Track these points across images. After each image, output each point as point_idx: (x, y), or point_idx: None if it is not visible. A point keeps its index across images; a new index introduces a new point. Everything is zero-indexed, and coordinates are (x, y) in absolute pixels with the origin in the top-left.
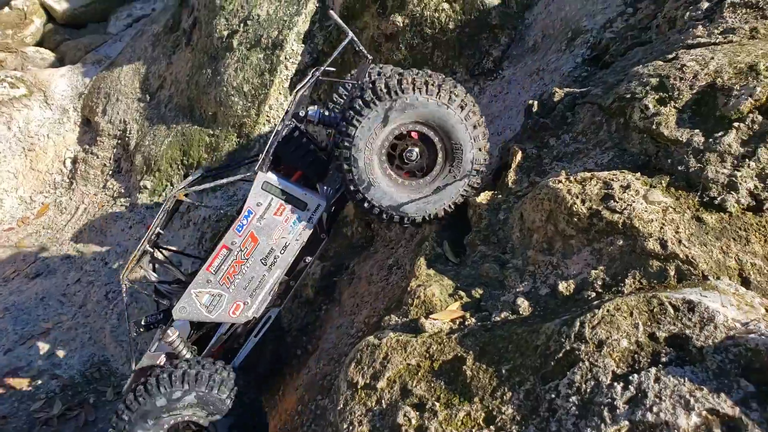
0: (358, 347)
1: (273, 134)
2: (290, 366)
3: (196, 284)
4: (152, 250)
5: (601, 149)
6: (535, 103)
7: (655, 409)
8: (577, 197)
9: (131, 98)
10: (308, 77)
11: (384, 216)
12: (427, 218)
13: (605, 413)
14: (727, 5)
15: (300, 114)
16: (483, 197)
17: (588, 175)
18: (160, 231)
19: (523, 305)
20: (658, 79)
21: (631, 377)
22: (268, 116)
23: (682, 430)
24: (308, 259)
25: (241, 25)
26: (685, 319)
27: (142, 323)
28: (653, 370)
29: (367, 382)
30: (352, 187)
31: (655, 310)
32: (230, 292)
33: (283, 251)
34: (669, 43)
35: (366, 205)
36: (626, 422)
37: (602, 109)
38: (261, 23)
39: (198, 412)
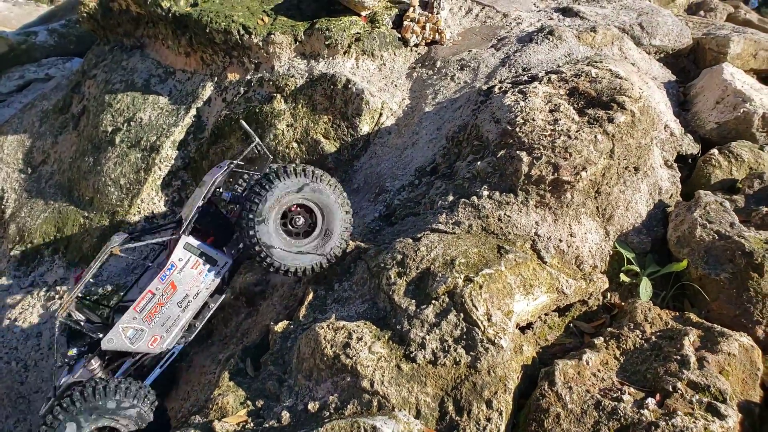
0: None
1: (195, 208)
2: None
3: (124, 321)
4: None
5: (362, 300)
6: None
7: None
8: (329, 342)
9: (12, 168)
10: (224, 167)
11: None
12: (316, 267)
13: None
14: (461, 203)
15: (218, 193)
16: (279, 326)
17: (341, 324)
18: (91, 280)
19: (285, 416)
20: (401, 256)
21: None
22: (139, 208)
23: None
24: (212, 303)
25: (125, 124)
26: None
27: (68, 354)
28: None
29: None
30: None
31: (354, 430)
32: (150, 328)
33: (195, 297)
34: (426, 221)
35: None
36: None
37: (369, 269)
38: (142, 126)
39: (123, 420)
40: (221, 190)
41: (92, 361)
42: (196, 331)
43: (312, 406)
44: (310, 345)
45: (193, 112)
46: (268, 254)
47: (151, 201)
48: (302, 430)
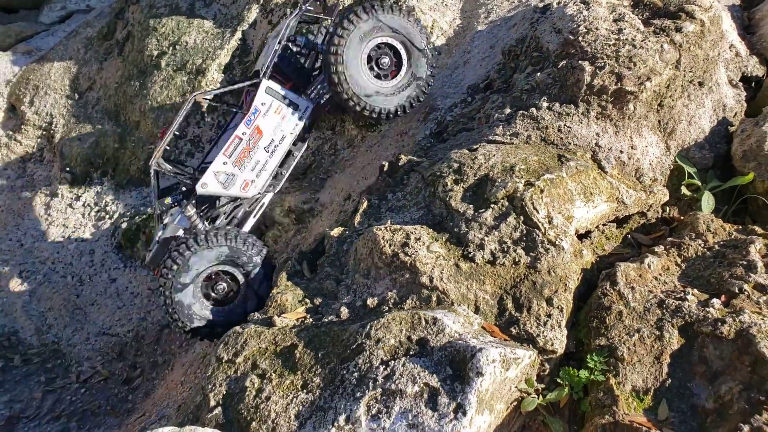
0: (227, 333)
1: (273, 52)
2: (180, 347)
3: (215, 166)
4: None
5: (417, 207)
6: (386, 164)
7: (397, 382)
8: (387, 242)
9: (60, 94)
10: (296, 11)
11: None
12: (399, 111)
13: (370, 383)
14: (519, 115)
15: (292, 39)
16: (335, 231)
17: (398, 227)
18: (176, 132)
19: (344, 312)
20: (458, 165)
21: (390, 362)
22: (185, 131)
23: (408, 394)
24: (296, 151)
25: (170, 48)
26: (429, 328)
27: (167, 202)
28: (404, 359)
29: (230, 357)
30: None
31: (414, 321)
32: (241, 172)
33: (281, 142)
34: (481, 134)
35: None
36: (380, 389)
37: (424, 179)
38: (188, 50)
39: (223, 262)
40: (294, 36)
41: (189, 207)
42: (284, 180)
43: (371, 302)
44: (368, 245)
45: (238, 35)
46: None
47: (197, 124)
48: (361, 322)
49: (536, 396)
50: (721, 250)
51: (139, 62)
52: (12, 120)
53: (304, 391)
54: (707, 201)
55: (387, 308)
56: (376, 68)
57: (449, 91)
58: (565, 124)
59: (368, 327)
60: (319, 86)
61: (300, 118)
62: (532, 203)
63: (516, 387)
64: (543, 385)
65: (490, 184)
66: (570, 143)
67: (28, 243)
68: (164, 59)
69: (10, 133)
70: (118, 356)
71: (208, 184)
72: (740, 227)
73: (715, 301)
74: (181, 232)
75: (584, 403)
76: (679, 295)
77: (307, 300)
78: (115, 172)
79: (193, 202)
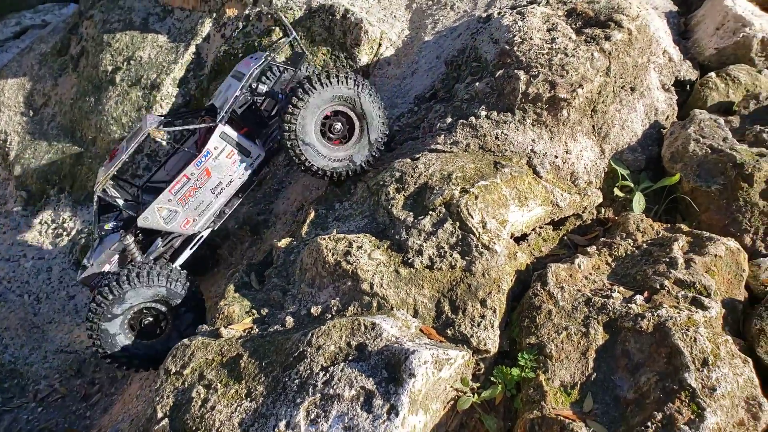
0: (176, 345)
1: (232, 98)
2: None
3: (160, 201)
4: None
5: (362, 216)
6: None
7: (335, 387)
8: (330, 251)
9: (14, 111)
10: (261, 60)
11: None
12: (350, 172)
13: (310, 389)
14: (459, 123)
15: (253, 87)
16: (283, 242)
17: (342, 235)
18: (126, 159)
19: (289, 321)
20: (400, 174)
21: (329, 368)
22: (141, 145)
23: (345, 398)
24: (240, 195)
25: (125, 63)
26: (367, 334)
27: (107, 227)
28: (342, 364)
29: (178, 369)
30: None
31: (354, 327)
32: (184, 210)
33: (228, 185)
34: (424, 143)
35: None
36: (319, 394)
37: (369, 188)
38: (142, 65)
39: (157, 301)
40: (256, 83)
41: (127, 237)
42: (225, 217)
43: (315, 310)
44: (313, 255)
45: (192, 49)
46: (303, 152)
47: (153, 139)
48: (304, 331)
49: (471, 394)
50: (648, 248)
51: (93, 78)
52: None
53: (248, 399)
54: (638, 201)
55: (330, 316)
56: (329, 133)
57: (398, 101)
58: (502, 132)
59: (310, 335)
60: (274, 134)
61: (250, 165)
62: (467, 209)
63: (452, 386)
64: (478, 384)
65: (429, 192)
66: (507, 150)
67: None
68: (119, 74)
69: None
70: (77, 373)
71: (150, 218)
72: (668, 226)
73: (638, 297)
74: (116, 258)
75: (516, 400)
76: (606, 293)
77: (254, 311)
78: (72, 189)
79: (132, 230)
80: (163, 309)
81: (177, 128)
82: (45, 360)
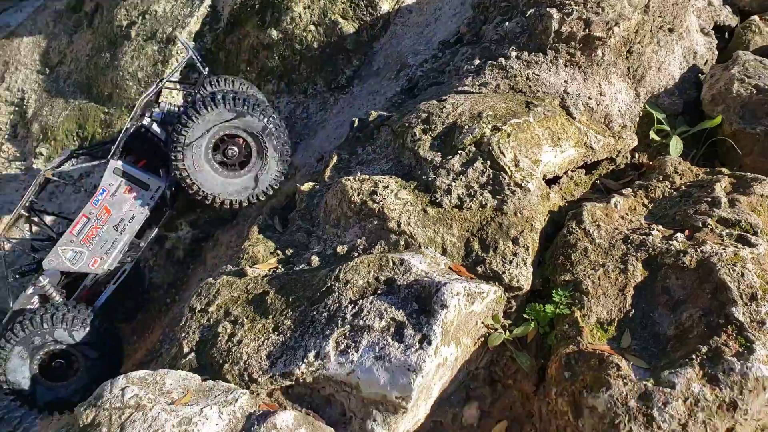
0: (200, 285)
1: (123, 131)
2: (160, 312)
3: (62, 243)
4: (26, 214)
5: (386, 160)
6: (357, 120)
7: (364, 318)
8: (355, 191)
9: (30, 69)
10: (153, 86)
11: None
12: (244, 202)
13: (339, 321)
14: (488, 65)
15: (147, 114)
16: (306, 186)
17: (367, 177)
18: (34, 199)
19: (314, 260)
20: (426, 115)
21: (358, 301)
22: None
23: (375, 329)
24: (153, 227)
25: (140, 17)
26: (396, 269)
27: (18, 271)
28: (371, 297)
29: (203, 307)
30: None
31: (382, 263)
32: (89, 250)
33: (131, 221)
34: (451, 86)
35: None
36: (348, 326)
37: (393, 131)
38: (157, 18)
39: (61, 343)
40: (152, 110)
41: (40, 279)
42: (142, 250)
43: (340, 249)
44: (338, 196)
45: (207, 2)
46: (194, 183)
47: (170, 93)
48: (331, 267)
49: (503, 331)
50: (687, 190)
51: (108, 33)
52: None
53: (275, 333)
54: (675, 145)
55: (357, 254)
56: (223, 158)
57: (420, 48)
58: (533, 73)
59: (337, 270)
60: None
61: (151, 198)
62: (499, 147)
63: (482, 323)
64: (509, 321)
65: (458, 131)
66: (538, 91)
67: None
68: (134, 29)
69: None
70: None
71: (54, 261)
72: (707, 169)
73: (678, 235)
74: (36, 299)
75: (550, 337)
76: (644, 232)
77: (279, 252)
78: (90, 146)
79: (44, 273)
80: (73, 352)
81: (74, 167)
82: None
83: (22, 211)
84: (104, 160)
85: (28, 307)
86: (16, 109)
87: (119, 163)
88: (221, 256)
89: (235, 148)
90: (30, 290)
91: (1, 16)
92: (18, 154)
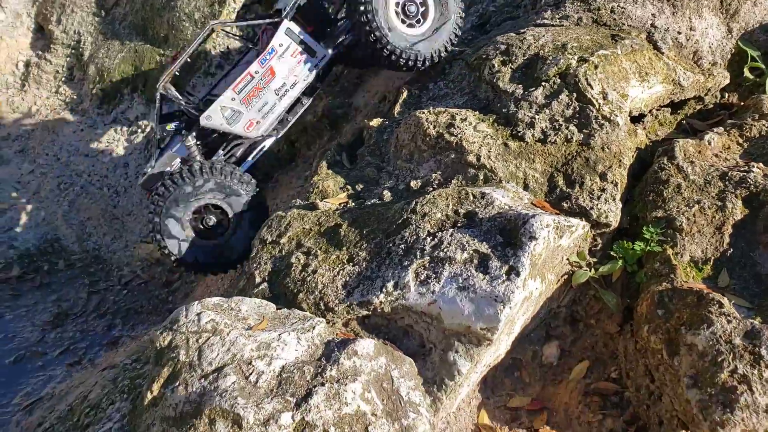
0: (270, 217)
1: None
2: None
3: (223, 100)
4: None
5: (461, 94)
6: None
7: (445, 250)
8: (431, 124)
9: (86, 11)
10: None
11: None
12: (435, 55)
13: (417, 252)
14: None
15: None
16: (375, 122)
17: (443, 109)
18: (189, 59)
19: (386, 195)
20: (505, 47)
21: (437, 234)
22: (214, 42)
23: (457, 261)
24: (305, 100)
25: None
26: (477, 202)
27: (169, 128)
28: (451, 230)
29: (274, 239)
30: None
31: (461, 196)
32: (248, 111)
33: (292, 87)
34: (527, 20)
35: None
36: (428, 257)
37: (468, 65)
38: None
39: (217, 195)
40: None
41: (189, 138)
42: (288, 125)
43: (414, 184)
44: (410, 130)
45: None
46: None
47: (226, 35)
48: (405, 201)
49: (588, 269)
50: None
51: None
52: (41, 40)
53: (351, 264)
54: None
55: (432, 189)
56: (403, 16)
57: None
58: (618, 5)
59: (414, 203)
60: (341, 35)
61: (315, 66)
62: (586, 79)
63: (567, 259)
64: (595, 259)
65: (541, 63)
66: (624, 24)
67: (64, 157)
68: None
69: (40, 53)
70: (157, 261)
71: (213, 117)
72: None
73: None
74: (177, 161)
75: (639, 275)
76: (742, 169)
77: (349, 186)
78: (145, 87)
79: (194, 133)
80: (225, 207)
81: (243, 23)
82: (126, 249)
83: (188, 59)
84: (277, 19)
85: (167, 169)
86: (73, 51)
87: (292, 24)
88: (282, 197)
89: (414, 6)
90: (175, 148)
91: None
92: (75, 97)
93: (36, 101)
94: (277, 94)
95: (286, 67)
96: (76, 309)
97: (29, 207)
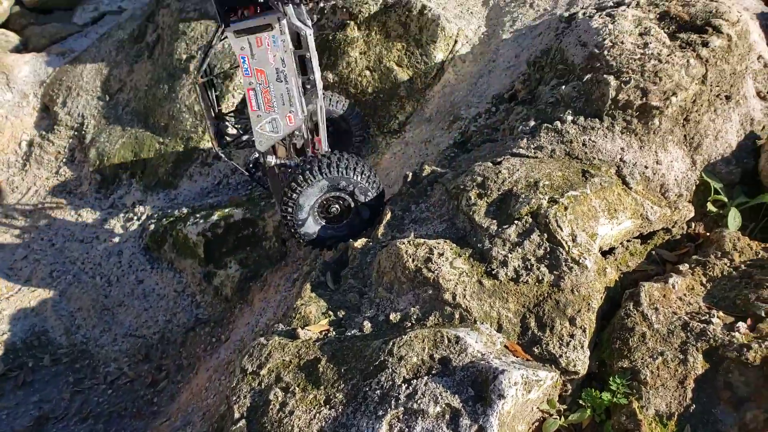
0: (251, 344)
1: None
2: (205, 351)
3: (255, 123)
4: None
5: (440, 220)
6: (411, 174)
7: (419, 401)
8: (410, 257)
9: (91, 95)
10: None
11: None
12: None
13: (392, 401)
14: (543, 128)
15: None
16: (359, 243)
17: (422, 241)
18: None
19: (367, 326)
20: (481, 179)
21: (412, 381)
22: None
23: (430, 415)
24: (307, 54)
25: (199, 52)
26: (451, 348)
27: (251, 165)
28: (426, 378)
29: (254, 369)
30: None
31: (437, 339)
32: (278, 113)
33: (284, 65)
34: (505, 146)
35: None
36: (402, 408)
37: (447, 191)
38: (216, 55)
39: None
40: None
41: (269, 159)
42: (319, 79)
43: (393, 317)
44: (391, 259)
45: None
46: None
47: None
48: (383, 338)
49: (558, 417)
50: (747, 270)
51: (168, 65)
52: (45, 120)
53: (327, 407)
54: (734, 218)
55: (410, 324)
56: None
57: (473, 100)
58: (589, 139)
59: (391, 344)
60: None
61: (281, 32)
62: (556, 221)
63: (538, 408)
64: (565, 406)
65: (514, 200)
66: (594, 158)
67: (59, 243)
68: (193, 63)
69: (43, 133)
70: (144, 358)
71: (264, 141)
72: (767, 246)
73: (740, 324)
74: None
75: (607, 425)
76: (704, 318)
77: (331, 312)
78: (143, 174)
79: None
80: (348, 199)
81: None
82: (115, 342)
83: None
84: (221, 35)
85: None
86: (75, 133)
87: (234, 25)
88: (269, 299)
89: None
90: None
91: (66, 41)
92: (74, 179)
93: (36, 182)
94: (281, 81)
95: (264, 56)
96: (58, 411)
97: (18, 296)
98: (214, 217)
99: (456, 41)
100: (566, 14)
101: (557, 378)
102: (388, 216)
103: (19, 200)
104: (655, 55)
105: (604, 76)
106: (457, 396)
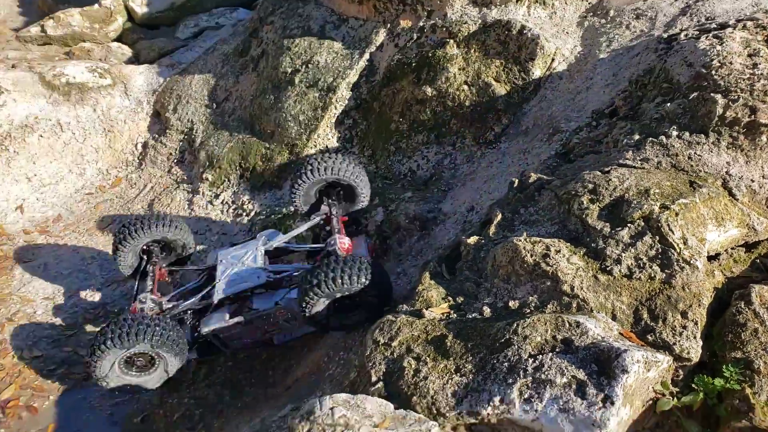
0: (380, 320)
1: None
2: (315, 334)
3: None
4: None
5: (551, 223)
6: (516, 181)
7: (546, 373)
8: (528, 252)
9: (199, 103)
10: None
11: None
12: None
13: (521, 372)
14: (648, 141)
15: None
16: (472, 240)
17: (538, 239)
18: None
19: (486, 311)
20: (593, 185)
21: (537, 356)
22: (315, 142)
23: (557, 384)
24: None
25: (303, 66)
26: (572, 330)
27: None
28: (550, 354)
29: (386, 341)
30: None
31: (558, 323)
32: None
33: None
34: (610, 158)
35: None
36: (530, 378)
37: (557, 196)
38: (320, 68)
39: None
40: None
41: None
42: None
43: (512, 304)
44: (508, 254)
45: (366, 56)
46: None
47: (326, 137)
48: (506, 320)
49: (671, 398)
50: None
51: (273, 78)
52: (157, 125)
53: (458, 374)
54: None
55: (528, 311)
56: None
57: (572, 114)
58: (695, 153)
59: (515, 325)
60: None
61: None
62: (668, 225)
63: (652, 388)
64: (677, 389)
65: (626, 205)
66: (700, 170)
67: None
68: (297, 76)
69: (156, 136)
70: None
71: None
72: None
73: None
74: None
75: (720, 408)
76: None
77: (450, 298)
78: (251, 176)
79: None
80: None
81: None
82: None
83: None
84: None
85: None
86: (185, 137)
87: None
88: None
89: None
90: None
91: (174, 54)
92: (185, 177)
93: (151, 179)
94: None
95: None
96: (187, 377)
97: None
98: None
99: (553, 59)
100: (665, 35)
101: (671, 362)
102: (499, 217)
103: (137, 195)
104: (764, 75)
105: (711, 94)
106: (581, 370)
